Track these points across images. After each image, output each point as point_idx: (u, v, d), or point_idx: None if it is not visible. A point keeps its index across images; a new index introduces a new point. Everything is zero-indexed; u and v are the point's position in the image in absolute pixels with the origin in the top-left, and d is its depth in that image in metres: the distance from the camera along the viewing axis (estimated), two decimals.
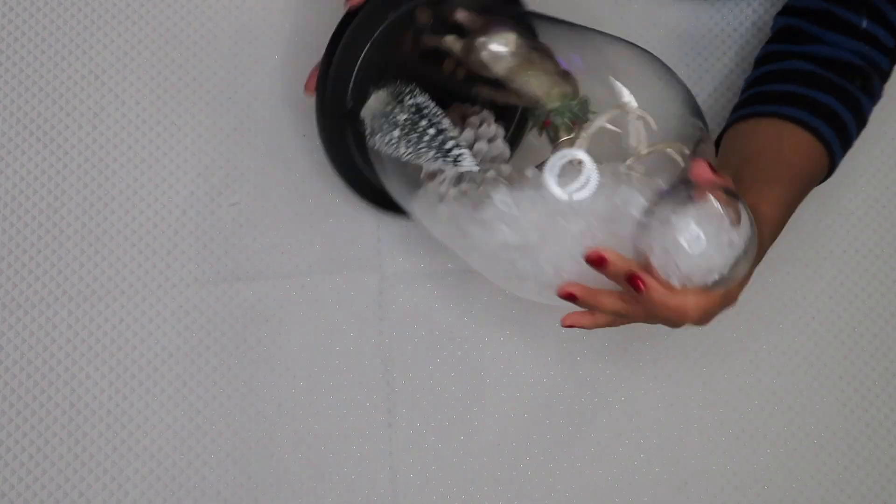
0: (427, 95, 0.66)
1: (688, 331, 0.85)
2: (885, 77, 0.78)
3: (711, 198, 0.58)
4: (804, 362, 0.86)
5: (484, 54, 0.66)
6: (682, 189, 0.59)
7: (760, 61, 0.81)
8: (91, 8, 0.91)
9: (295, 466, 0.81)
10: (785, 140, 0.75)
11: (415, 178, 0.68)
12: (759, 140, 0.76)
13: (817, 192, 0.89)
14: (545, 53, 0.67)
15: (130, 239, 0.85)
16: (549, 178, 0.60)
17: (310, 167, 0.87)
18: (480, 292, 0.85)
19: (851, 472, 0.84)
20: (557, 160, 0.60)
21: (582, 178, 0.60)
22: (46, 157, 0.87)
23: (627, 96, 0.65)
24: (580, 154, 0.60)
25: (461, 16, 0.67)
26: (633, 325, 0.85)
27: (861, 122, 0.78)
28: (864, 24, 0.76)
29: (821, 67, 0.77)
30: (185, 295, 0.84)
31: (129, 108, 0.88)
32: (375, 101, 0.69)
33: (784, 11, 0.81)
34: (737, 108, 0.80)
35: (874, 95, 0.78)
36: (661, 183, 0.61)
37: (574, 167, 0.60)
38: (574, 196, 0.60)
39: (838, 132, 0.76)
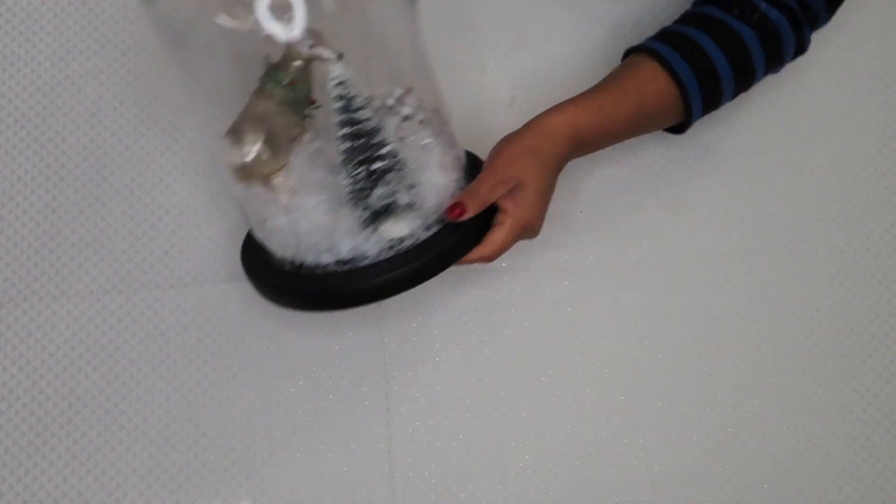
0: None
1: (686, 330, 0.86)
2: (790, 11, 0.77)
3: None
4: (803, 362, 0.86)
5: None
6: None
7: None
8: (89, 8, 0.91)
9: (294, 466, 0.81)
10: (629, 66, 0.78)
11: None
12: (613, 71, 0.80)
13: (817, 191, 0.89)
14: None
15: (129, 238, 0.85)
16: (263, 14, 0.63)
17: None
18: (478, 292, 0.85)
19: (850, 472, 0.84)
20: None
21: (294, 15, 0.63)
22: (45, 157, 0.87)
23: None
24: None
25: None
26: (631, 324, 0.86)
27: (737, 49, 0.77)
28: None
29: (706, 4, 0.79)
30: (184, 294, 0.84)
31: (128, 108, 0.88)
32: None
33: None
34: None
35: (764, 27, 0.77)
36: None
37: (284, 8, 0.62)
38: (291, 31, 0.63)
39: (689, 58, 0.76)
